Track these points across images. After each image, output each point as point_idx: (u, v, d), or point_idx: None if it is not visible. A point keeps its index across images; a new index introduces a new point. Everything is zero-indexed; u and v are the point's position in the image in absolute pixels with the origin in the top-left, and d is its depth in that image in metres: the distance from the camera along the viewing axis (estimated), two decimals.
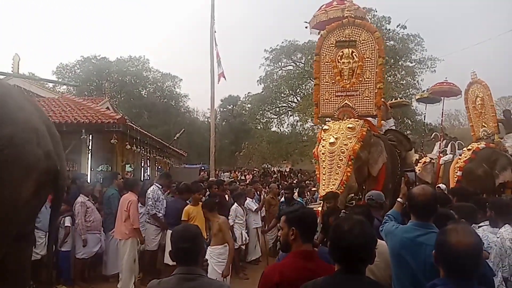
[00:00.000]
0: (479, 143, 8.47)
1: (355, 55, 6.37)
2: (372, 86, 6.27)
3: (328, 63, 6.59)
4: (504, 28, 54.45)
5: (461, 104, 10.47)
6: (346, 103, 6.38)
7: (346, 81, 6.42)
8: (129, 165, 13.73)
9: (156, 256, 7.06)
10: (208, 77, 13.55)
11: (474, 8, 64.50)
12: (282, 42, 24.51)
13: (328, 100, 6.59)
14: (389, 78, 22.88)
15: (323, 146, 5.69)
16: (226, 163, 33.24)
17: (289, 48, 24.21)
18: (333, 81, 6.51)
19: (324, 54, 6.61)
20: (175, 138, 20.00)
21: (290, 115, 28.04)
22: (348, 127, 5.73)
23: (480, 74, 9.27)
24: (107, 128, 8.77)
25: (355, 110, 6.28)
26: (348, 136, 5.64)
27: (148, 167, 15.94)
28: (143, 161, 14.37)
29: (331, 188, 5.15)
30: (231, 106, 38.85)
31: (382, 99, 7.67)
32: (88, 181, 8.40)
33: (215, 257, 5.14)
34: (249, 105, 30.26)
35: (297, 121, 26.88)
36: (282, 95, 27.53)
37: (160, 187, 7.22)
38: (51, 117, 9.03)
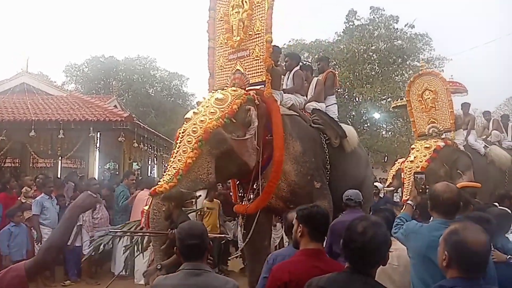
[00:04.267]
0: (436, 140, 7.48)
1: (246, 1, 4.81)
2: (262, 40, 4.66)
3: (222, 18, 5.09)
4: None
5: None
6: (237, 69, 4.86)
7: (236, 38, 4.86)
8: (136, 163, 13.80)
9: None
10: None
11: (483, 7, 63.95)
12: (289, 41, 24.47)
13: (222, 67, 5.08)
14: (397, 77, 22.77)
15: (183, 124, 4.40)
16: None
17: (296, 47, 24.16)
18: (225, 41, 5.03)
19: (218, 8, 5.13)
20: None
21: None
22: (216, 99, 4.35)
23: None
24: (114, 126, 8.83)
25: (246, 78, 4.76)
26: (211, 111, 4.21)
27: (155, 165, 16.02)
28: (150, 159, 14.44)
29: (164, 181, 3.94)
30: None
31: (331, 71, 6.19)
32: (96, 178, 8.49)
33: None
34: None
35: None
36: None
37: None
38: (59, 114, 9.10)
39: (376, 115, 20.93)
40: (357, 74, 21.89)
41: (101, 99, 12.97)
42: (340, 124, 5.55)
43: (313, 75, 6.02)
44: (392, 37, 22.45)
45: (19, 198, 6.91)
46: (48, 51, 55.38)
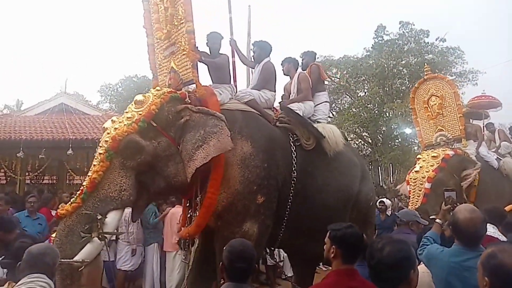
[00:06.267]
0: (444, 149, 6.90)
1: None
2: (184, 30, 3.89)
3: (154, 11, 4.33)
4: None
5: (503, 118, 9.85)
6: (172, 67, 4.16)
7: (164, 30, 4.14)
8: None
9: None
10: None
11: None
12: (318, 58, 24.59)
13: (161, 66, 4.44)
14: None
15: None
16: None
17: (324, 63, 24.22)
18: (159, 35, 4.29)
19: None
20: None
21: None
22: (136, 101, 3.75)
23: None
24: None
25: (179, 76, 4.07)
26: (128, 116, 3.62)
27: None
28: None
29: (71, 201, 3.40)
30: None
31: (314, 63, 5.31)
32: None
33: None
34: None
35: None
36: None
37: None
38: (95, 133, 9.45)
39: (408, 130, 20.48)
40: (387, 89, 21.60)
41: None
42: (313, 122, 4.62)
43: (297, 70, 5.12)
44: (422, 51, 22.07)
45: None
46: (84, 71, 57.75)
